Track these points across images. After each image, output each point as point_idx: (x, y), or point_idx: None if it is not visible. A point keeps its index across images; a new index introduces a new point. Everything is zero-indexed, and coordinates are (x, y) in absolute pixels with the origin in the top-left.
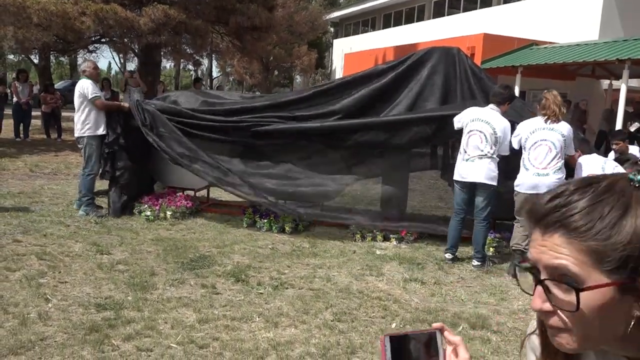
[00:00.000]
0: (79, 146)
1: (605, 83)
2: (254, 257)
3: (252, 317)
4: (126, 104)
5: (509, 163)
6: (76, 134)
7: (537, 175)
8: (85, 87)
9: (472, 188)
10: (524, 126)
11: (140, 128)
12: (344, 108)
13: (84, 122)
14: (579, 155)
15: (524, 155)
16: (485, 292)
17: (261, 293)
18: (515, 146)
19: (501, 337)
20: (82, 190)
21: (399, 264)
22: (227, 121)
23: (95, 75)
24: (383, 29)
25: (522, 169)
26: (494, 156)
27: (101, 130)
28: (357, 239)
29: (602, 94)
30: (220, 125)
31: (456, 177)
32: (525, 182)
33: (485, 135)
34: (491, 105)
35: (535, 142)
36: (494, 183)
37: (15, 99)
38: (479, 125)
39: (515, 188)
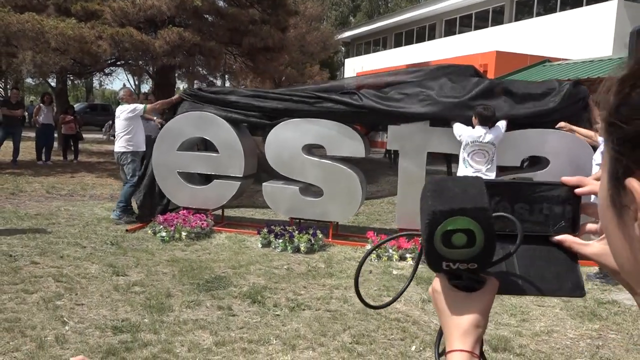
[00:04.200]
0: (121, 163)
1: None
2: (269, 278)
3: (269, 339)
4: (176, 96)
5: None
6: (121, 150)
7: None
8: (132, 108)
9: None
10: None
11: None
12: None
13: (128, 140)
14: None
15: None
16: (506, 313)
17: (278, 315)
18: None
19: None
20: (121, 197)
21: (416, 284)
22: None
23: (131, 101)
24: (394, 47)
25: None
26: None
27: (142, 147)
28: (372, 259)
29: None
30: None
31: None
32: None
33: (487, 152)
34: (479, 127)
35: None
36: None
37: (41, 121)
38: (479, 145)
39: None
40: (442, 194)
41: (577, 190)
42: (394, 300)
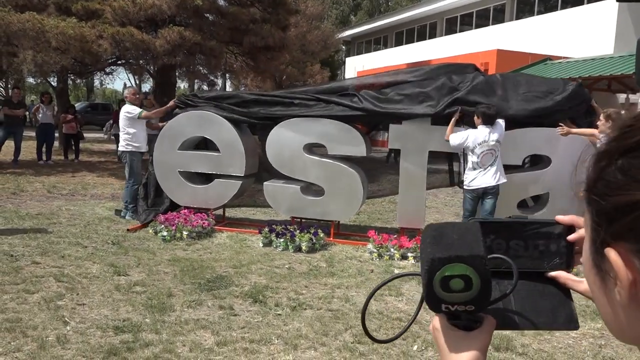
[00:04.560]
0: (123, 161)
1: (622, 97)
2: (271, 277)
3: (270, 339)
4: (171, 103)
5: None
6: (121, 150)
7: None
8: (130, 110)
9: (482, 194)
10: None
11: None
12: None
13: (127, 139)
14: None
15: None
16: None
17: (279, 314)
18: None
19: None
20: (127, 198)
21: (418, 284)
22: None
23: (135, 100)
24: (395, 46)
25: None
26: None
27: (142, 148)
28: (374, 258)
29: (619, 108)
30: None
31: (472, 186)
32: None
33: (495, 150)
34: (482, 127)
35: None
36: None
37: (41, 119)
38: (487, 146)
39: None
40: (440, 240)
41: (569, 238)
42: (399, 335)
